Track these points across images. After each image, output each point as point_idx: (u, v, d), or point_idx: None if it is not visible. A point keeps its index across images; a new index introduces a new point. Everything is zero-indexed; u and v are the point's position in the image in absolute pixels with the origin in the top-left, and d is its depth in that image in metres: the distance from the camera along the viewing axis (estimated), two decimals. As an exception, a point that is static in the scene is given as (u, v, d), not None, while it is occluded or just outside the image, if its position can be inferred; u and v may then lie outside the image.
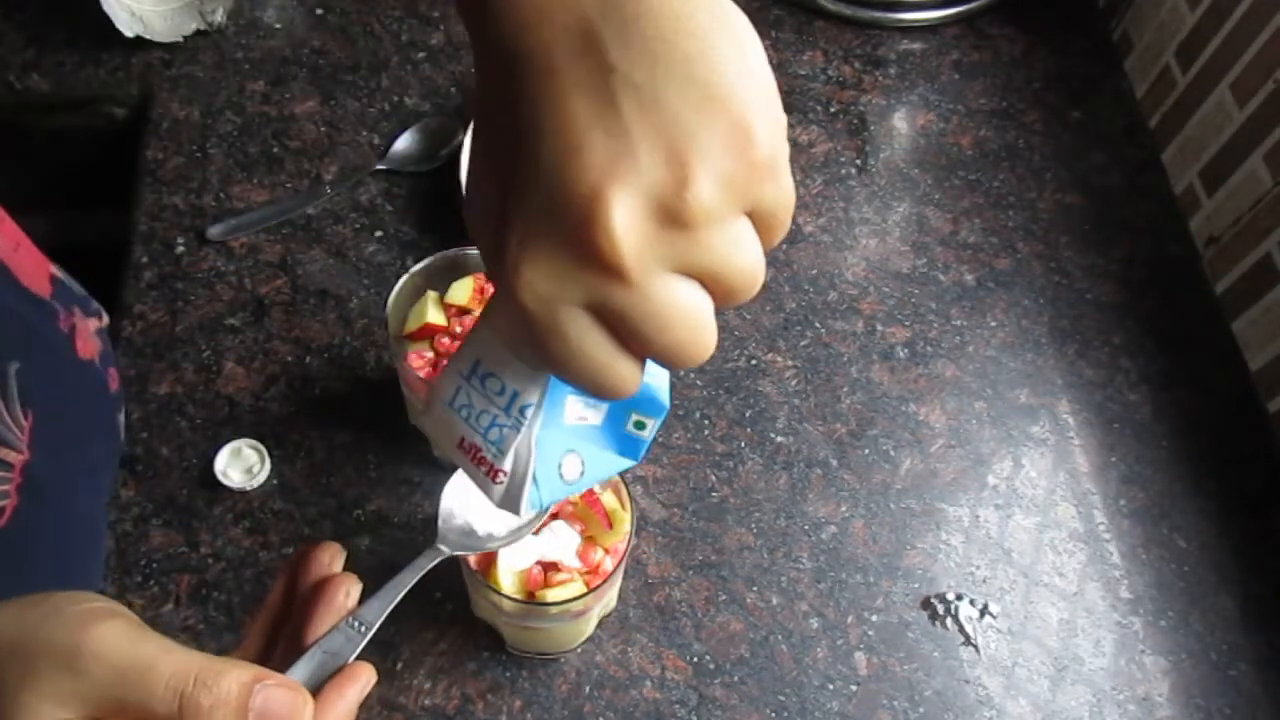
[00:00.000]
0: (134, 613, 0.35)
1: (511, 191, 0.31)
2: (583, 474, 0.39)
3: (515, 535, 0.52)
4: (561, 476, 0.37)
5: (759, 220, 0.31)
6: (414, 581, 0.44)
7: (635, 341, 0.31)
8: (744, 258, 0.31)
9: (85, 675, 0.32)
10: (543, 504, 0.37)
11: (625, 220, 0.29)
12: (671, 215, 0.29)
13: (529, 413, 0.35)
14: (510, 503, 0.36)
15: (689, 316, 0.30)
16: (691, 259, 0.30)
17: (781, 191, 0.31)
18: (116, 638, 0.33)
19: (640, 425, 0.38)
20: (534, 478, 0.36)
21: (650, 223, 0.29)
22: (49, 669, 0.32)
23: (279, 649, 0.41)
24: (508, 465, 0.35)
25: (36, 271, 0.63)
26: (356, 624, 0.40)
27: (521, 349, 0.33)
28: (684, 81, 0.29)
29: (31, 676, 0.32)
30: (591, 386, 0.32)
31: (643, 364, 0.32)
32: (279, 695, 0.34)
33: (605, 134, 0.29)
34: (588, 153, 0.29)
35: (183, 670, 0.33)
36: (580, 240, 0.29)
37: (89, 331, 0.67)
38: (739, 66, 0.30)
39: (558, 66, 0.29)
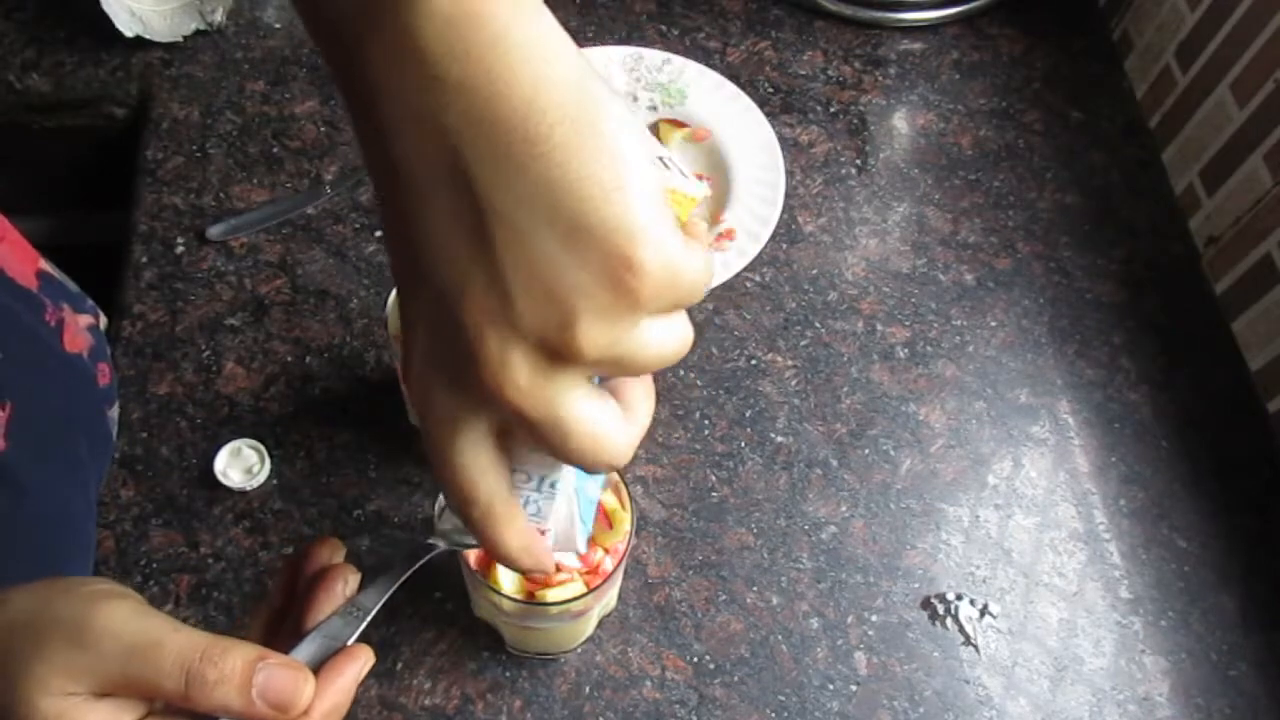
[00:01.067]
0: None
1: (407, 319, 0.31)
2: (601, 486, 0.41)
3: None
4: (588, 499, 0.40)
5: (666, 311, 0.30)
6: (411, 571, 0.44)
7: (548, 450, 0.31)
8: (653, 352, 0.30)
9: (93, 651, 0.33)
10: (589, 531, 0.40)
11: (518, 372, 0.28)
12: (556, 354, 0.28)
13: (559, 485, 0.37)
14: (566, 545, 0.38)
15: (593, 430, 0.30)
16: (591, 376, 0.30)
17: (681, 297, 0.29)
18: (125, 616, 0.34)
19: None
20: (580, 518, 0.38)
21: (540, 362, 0.29)
22: (59, 644, 0.33)
23: (281, 638, 0.42)
24: (551, 524, 0.37)
25: (23, 264, 0.63)
26: (354, 609, 0.41)
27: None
28: (549, 215, 0.27)
29: (42, 651, 0.33)
30: (445, 488, 0.33)
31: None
32: (281, 673, 0.35)
33: (484, 274, 0.28)
34: (471, 300, 0.28)
35: (190, 647, 0.34)
36: (479, 387, 0.29)
37: (78, 326, 0.67)
38: (607, 185, 0.27)
39: (429, 188, 0.28)
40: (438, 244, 0.28)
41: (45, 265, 0.66)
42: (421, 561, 0.45)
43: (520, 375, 0.29)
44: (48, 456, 0.61)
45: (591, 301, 0.28)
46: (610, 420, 0.31)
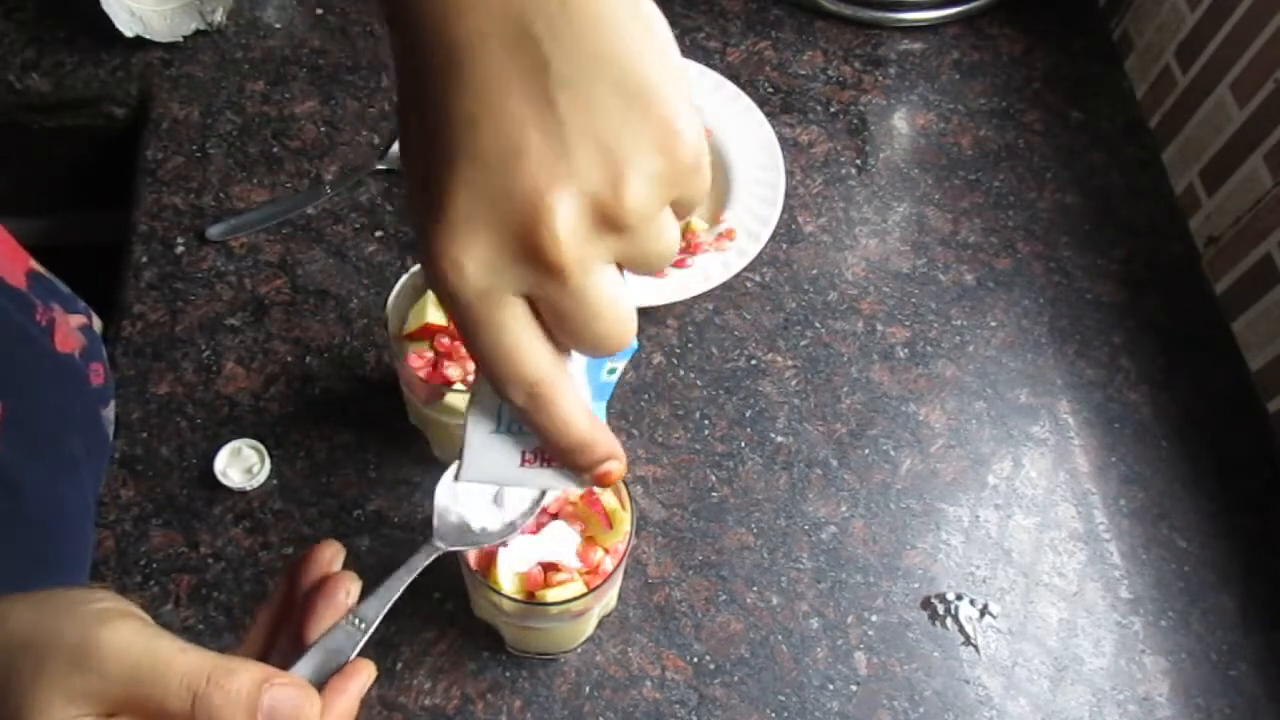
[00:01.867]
0: None
1: (445, 181, 0.31)
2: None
3: (509, 530, 0.53)
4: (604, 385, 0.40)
5: (676, 207, 0.33)
6: (412, 578, 0.44)
7: (565, 332, 0.33)
8: (664, 243, 0.32)
9: (97, 673, 0.33)
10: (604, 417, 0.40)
11: (567, 223, 0.30)
12: (607, 215, 0.30)
13: None
14: None
15: (616, 307, 0.32)
16: (620, 251, 0.32)
17: (702, 186, 0.32)
18: (130, 637, 0.34)
19: (611, 371, 0.39)
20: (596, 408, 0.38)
21: (588, 223, 0.30)
22: (62, 666, 0.33)
23: (280, 645, 0.42)
24: None
25: (12, 264, 0.63)
26: (357, 621, 0.41)
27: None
28: (615, 82, 0.30)
29: (44, 673, 0.33)
30: (502, 378, 0.33)
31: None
32: (288, 693, 0.35)
33: (542, 134, 0.30)
34: (527, 154, 0.30)
35: (196, 669, 0.34)
36: (523, 240, 0.30)
37: (70, 327, 0.67)
38: (664, 67, 0.31)
39: (491, 57, 0.30)
40: (496, 108, 0.30)
41: (35, 265, 0.66)
42: (423, 567, 0.45)
43: (571, 228, 0.30)
44: (42, 456, 0.61)
45: (642, 160, 0.30)
46: (630, 303, 0.33)
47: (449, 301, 0.32)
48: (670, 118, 0.31)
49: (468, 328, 0.32)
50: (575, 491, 0.41)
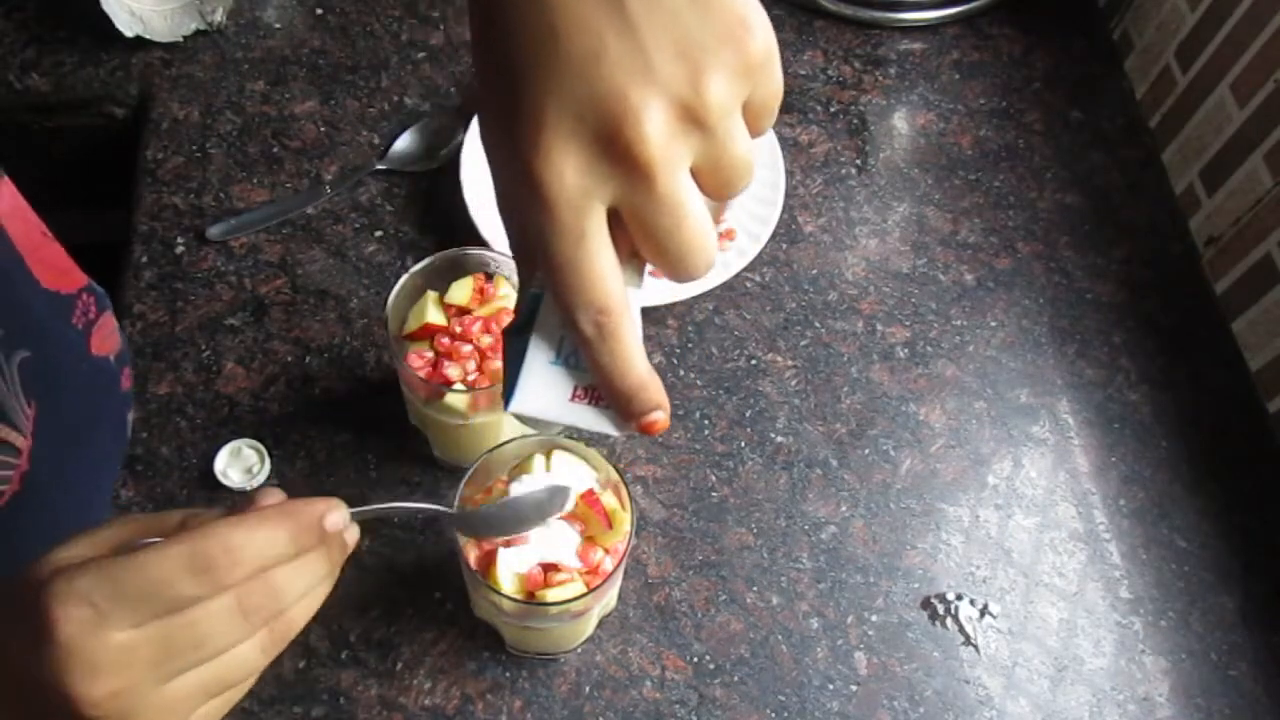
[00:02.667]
0: None
1: (533, 96, 0.32)
2: None
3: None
4: None
5: (750, 111, 0.33)
6: (401, 506, 0.49)
7: (649, 241, 0.33)
8: (742, 145, 0.33)
9: (98, 532, 0.40)
10: None
11: (653, 121, 0.31)
12: (688, 111, 0.31)
13: None
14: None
15: (700, 219, 0.33)
16: (701, 152, 0.33)
17: (775, 84, 0.33)
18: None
19: None
20: None
21: (671, 122, 0.31)
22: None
23: None
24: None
25: (63, 278, 0.63)
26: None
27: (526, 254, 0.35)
28: None
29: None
30: (576, 295, 0.34)
31: (640, 274, 0.36)
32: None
33: (618, 37, 0.31)
34: (606, 57, 0.31)
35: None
36: (612, 141, 0.31)
37: (109, 328, 0.67)
38: None
39: None
40: (572, 17, 0.31)
41: (89, 282, 0.66)
42: (417, 509, 0.48)
43: (656, 126, 0.31)
44: (72, 458, 0.61)
45: (715, 55, 0.31)
46: (711, 224, 0.34)
47: (541, 212, 0.32)
48: (738, 11, 0.31)
49: (554, 237, 0.33)
50: (615, 435, 0.41)
